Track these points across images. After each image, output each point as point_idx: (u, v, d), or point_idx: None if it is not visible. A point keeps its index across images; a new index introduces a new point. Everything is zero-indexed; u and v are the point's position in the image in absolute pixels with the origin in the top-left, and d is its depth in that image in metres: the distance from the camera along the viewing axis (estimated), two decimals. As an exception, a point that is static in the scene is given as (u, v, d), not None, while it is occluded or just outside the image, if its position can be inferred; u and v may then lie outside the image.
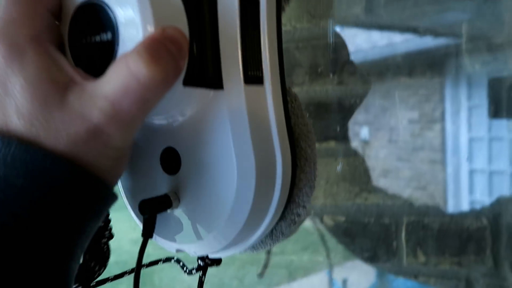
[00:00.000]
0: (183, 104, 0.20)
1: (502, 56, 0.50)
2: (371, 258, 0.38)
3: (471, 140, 0.57)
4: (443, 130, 0.62)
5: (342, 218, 0.40)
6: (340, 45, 0.45)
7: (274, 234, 0.22)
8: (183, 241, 0.21)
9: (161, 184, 0.21)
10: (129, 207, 0.23)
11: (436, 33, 0.56)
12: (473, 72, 0.57)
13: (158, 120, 0.21)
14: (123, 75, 0.16)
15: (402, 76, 0.67)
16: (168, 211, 0.21)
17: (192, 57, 0.19)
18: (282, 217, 0.21)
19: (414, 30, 0.58)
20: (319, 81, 0.42)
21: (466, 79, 0.59)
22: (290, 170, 0.21)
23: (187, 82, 0.19)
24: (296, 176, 0.21)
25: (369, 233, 0.39)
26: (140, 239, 0.20)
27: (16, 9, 0.18)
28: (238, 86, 0.19)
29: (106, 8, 0.18)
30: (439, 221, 0.37)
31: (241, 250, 0.22)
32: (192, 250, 0.22)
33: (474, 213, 0.37)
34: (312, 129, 0.22)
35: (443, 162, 0.59)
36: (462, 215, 0.38)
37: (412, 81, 0.67)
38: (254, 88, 0.20)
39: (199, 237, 0.21)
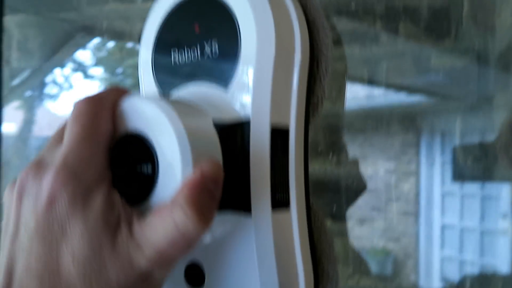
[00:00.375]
0: (211, 225, 0.20)
1: (473, 120, 0.52)
2: None
3: (444, 195, 0.58)
4: (417, 183, 0.64)
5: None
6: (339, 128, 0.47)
7: None
8: None
9: None
10: None
11: (414, 92, 0.58)
12: (446, 130, 0.59)
13: None
14: (169, 228, 0.17)
15: (381, 127, 0.68)
16: None
17: (224, 181, 0.20)
18: None
19: (393, 87, 0.61)
20: (318, 159, 0.43)
21: (440, 135, 0.61)
22: None
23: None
24: None
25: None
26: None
27: (84, 147, 0.18)
28: (266, 211, 0.20)
29: (148, 142, 0.19)
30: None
31: None
32: None
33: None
34: (335, 246, 0.23)
35: (416, 215, 0.61)
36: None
37: (389, 133, 0.69)
38: (281, 213, 0.21)
39: None
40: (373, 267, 0.54)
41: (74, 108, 0.19)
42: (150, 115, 0.19)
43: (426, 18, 0.49)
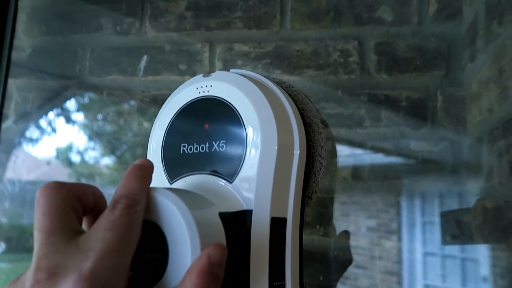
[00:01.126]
0: None
1: (454, 182, 0.55)
2: None
3: (425, 255, 0.59)
4: (399, 241, 0.65)
5: None
6: (327, 201, 0.49)
7: None
8: None
9: None
10: None
11: (393, 154, 0.61)
12: (426, 190, 0.62)
13: None
14: None
15: (362, 184, 0.70)
16: None
17: (225, 269, 0.20)
18: None
19: (372, 148, 0.63)
20: (306, 230, 0.44)
21: (420, 196, 0.63)
22: None
23: None
24: None
25: None
26: None
27: (116, 258, 0.17)
28: None
29: (160, 229, 0.20)
30: None
31: None
32: None
33: None
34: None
35: (399, 274, 0.61)
36: None
37: (371, 191, 0.70)
38: None
39: None
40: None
41: (111, 214, 0.18)
42: (164, 208, 0.20)
43: (405, 107, 0.53)
